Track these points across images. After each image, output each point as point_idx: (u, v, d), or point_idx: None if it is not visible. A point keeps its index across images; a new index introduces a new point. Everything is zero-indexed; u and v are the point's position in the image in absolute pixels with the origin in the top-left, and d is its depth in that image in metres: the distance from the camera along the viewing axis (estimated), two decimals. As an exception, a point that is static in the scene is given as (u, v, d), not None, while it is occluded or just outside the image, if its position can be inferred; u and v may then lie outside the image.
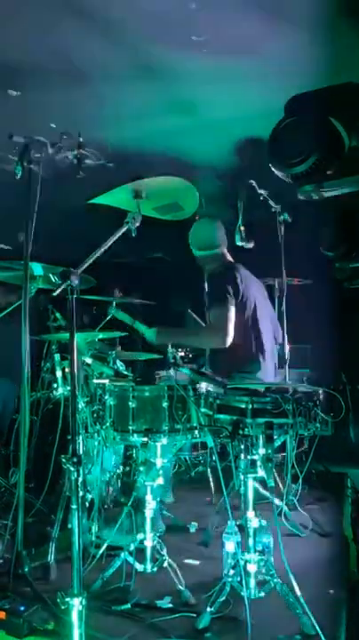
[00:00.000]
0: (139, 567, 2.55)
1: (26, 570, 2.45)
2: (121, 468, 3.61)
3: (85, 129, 3.01)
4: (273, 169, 2.22)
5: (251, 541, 2.29)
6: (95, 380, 2.90)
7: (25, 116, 2.96)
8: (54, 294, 1.98)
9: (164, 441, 2.60)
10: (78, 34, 2.33)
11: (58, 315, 3.39)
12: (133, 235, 2.52)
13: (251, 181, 3.11)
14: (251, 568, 2.27)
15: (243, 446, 2.18)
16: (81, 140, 3.04)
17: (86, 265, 2.16)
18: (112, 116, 3.01)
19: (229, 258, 3.59)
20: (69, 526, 2.63)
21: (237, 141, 3.41)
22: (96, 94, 2.77)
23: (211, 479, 4.02)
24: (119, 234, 2.44)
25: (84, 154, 3.10)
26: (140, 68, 2.55)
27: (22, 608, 2.16)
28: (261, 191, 3.20)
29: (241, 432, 2.19)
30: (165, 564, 2.54)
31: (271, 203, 3.39)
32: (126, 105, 2.90)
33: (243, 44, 2.40)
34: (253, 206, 3.08)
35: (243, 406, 2.22)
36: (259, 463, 2.25)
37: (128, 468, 3.62)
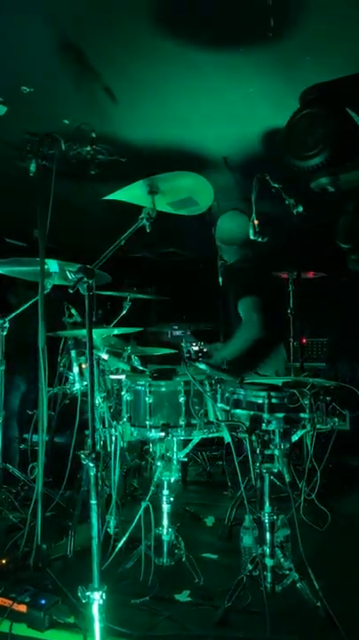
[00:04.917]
0: (157, 561, 2.57)
1: (46, 563, 2.48)
2: (137, 462, 3.63)
3: (98, 124, 3.00)
4: (287, 161, 2.21)
5: (268, 535, 2.30)
6: (112, 376, 2.92)
7: (38, 112, 2.96)
8: (71, 291, 1.99)
9: (181, 436, 2.61)
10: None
11: (73, 310, 3.40)
12: (148, 230, 2.52)
13: (265, 174, 3.08)
14: (269, 562, 2.28)
15: (260, 441, 2.17)
16: (93, 135, 3.04)
17: (102, 261, 2.17)
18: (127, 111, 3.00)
19: (250, 252, 3.57)
20: (88, 520, 2.65)
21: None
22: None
23: (227, 473, 4.02)
24: (134, 229, 2.44)
25: (97, 149, 3.10)
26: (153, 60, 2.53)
27: (43, 601, 2.19)
28: (275, 184, 3.17)
29: (258, 427, 2.18)
30: (183, 558, 2.56)
31: (284, 195, 3.36)
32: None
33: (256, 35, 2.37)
34: (267, 199, 3.05)
35: (261, 401, 2.21)
36: (276, 457, 2.25)
37: (145, 463, 3.64)
